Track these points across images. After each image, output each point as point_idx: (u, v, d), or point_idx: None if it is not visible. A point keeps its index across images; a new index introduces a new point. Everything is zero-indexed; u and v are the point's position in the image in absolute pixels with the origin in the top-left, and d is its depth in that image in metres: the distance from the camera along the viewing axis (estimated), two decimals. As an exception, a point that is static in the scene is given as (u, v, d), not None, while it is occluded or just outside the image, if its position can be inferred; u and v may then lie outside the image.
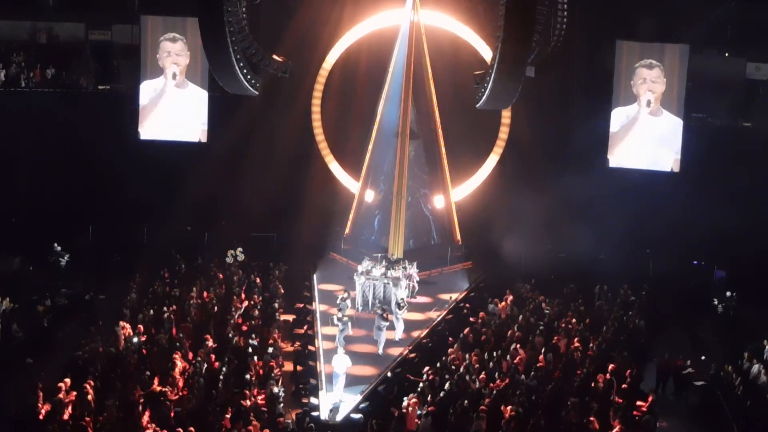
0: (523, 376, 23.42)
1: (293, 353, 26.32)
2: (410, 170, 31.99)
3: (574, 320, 27.36)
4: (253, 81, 26.16)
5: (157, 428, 19.98)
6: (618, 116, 34.67)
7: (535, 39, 27.08)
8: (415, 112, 32.39)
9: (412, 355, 25.78)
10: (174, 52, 34.94)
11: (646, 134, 34.42)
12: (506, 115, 34.11)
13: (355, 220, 34.08)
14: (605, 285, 30.48)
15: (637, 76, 34.28)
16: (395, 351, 26.00)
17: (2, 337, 25.67)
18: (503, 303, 29.02)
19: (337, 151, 34.71)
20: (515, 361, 24.23)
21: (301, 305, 29.46)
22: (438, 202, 33.98)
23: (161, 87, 35.19)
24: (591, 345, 25.59)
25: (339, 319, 25.87)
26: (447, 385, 22.76)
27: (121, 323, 25.67)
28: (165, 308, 26.80)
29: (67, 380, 21.71)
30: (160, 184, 33.88)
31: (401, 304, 27.22)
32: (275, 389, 22.35)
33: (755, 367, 24.71)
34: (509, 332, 26.49)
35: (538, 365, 23.85)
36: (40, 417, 20.24)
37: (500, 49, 23.59)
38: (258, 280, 30.33)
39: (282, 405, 22.25)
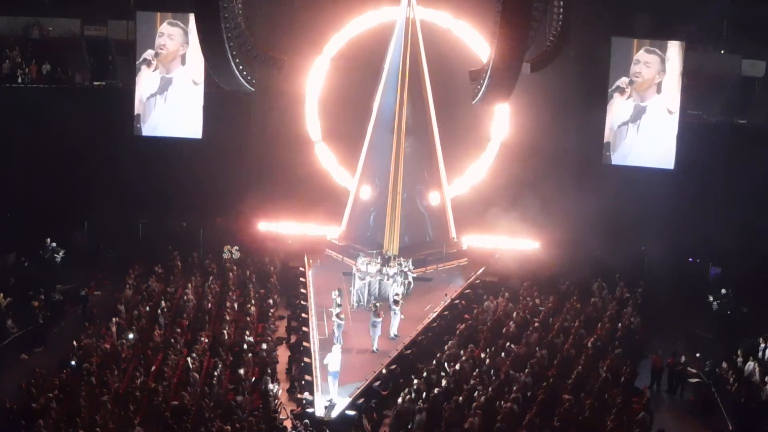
0: (518, 373, 23.45)
1: (288, 349, 26.31)
2: (406, 167, 31.95)
3: (569, 317, 27.39)
4: (248, 77, 26.10)
5: (152, 424, 20.00)
6: (613, 113, 34.65)
7: (532, 35, 27.06)
8: (411, 108, 32.34)
9: (408, 351, 25.77)
10: (169, 48, 34.88)
11: (641, 131, 34.39)
12: (502, 112, 34.10)
13: (351, 217, 34.03)
14: (601, 282, 30.51)
15: (633, 73, 34.27)
16: (390, 347, 26.01)
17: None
18: (498, 300, 29.05)
19: (332, 148, 34.65)
20: (510, 358, 24.27)
21: (296, 301, 29.44)
22: (433, 198, 33.93)
23: (156, 83, 35.10)
24: (586, 342, 25.64)
25: (337, 315, 25.87)
26: (443, 382, 22.79)
27: (116, 319, 25.69)
28: (160, 304, 26.79)
29: (63, 375, 21.77)
30: (155, 180, 33.83)
31: (398, 301, 27.22)
32: (270, 385, 22.37)
33: (750, 365, 24.77)
34: (504, 329, 26.51)
35: (532, 362, 23.89)
36: (35, 412, 20.25)
37: (496, 46, 23.59)
38: (253, 277, 30.32)
39: (277, 401, 22.28)
